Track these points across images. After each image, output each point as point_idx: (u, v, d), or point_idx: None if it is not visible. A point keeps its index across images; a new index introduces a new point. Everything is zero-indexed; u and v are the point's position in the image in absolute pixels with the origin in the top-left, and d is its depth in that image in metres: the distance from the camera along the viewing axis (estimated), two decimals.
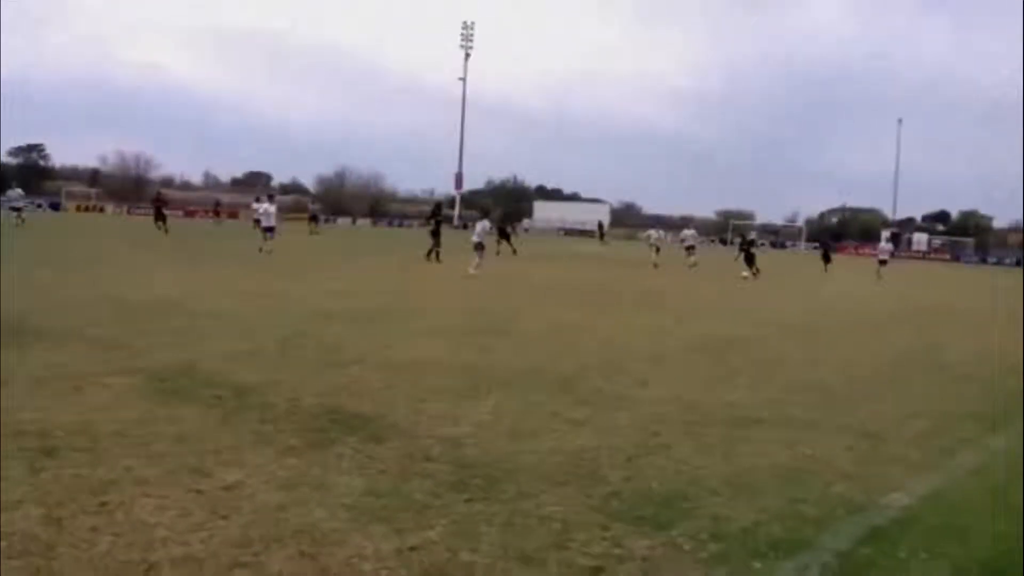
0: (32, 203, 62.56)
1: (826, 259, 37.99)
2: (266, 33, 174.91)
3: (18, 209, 41.23)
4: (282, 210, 52.78)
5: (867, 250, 78.37)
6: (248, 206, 60.47)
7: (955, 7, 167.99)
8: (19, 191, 45.65)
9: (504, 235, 36.25)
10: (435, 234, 28.14)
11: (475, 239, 23.62)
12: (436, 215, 29.83)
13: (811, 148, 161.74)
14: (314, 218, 53.56)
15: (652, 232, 40.27)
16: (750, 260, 30.35)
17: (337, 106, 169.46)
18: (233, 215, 73.00)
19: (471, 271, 22.30)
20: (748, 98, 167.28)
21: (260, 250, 26.52)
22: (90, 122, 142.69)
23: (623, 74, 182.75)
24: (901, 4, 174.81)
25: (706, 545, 4.41)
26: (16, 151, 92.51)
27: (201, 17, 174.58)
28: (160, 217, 40.70)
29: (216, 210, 63.81)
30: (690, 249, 35.12)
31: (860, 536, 4.70)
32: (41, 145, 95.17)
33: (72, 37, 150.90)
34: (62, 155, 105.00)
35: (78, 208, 72.06)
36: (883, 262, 36.42)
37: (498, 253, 30.72)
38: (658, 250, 35.16)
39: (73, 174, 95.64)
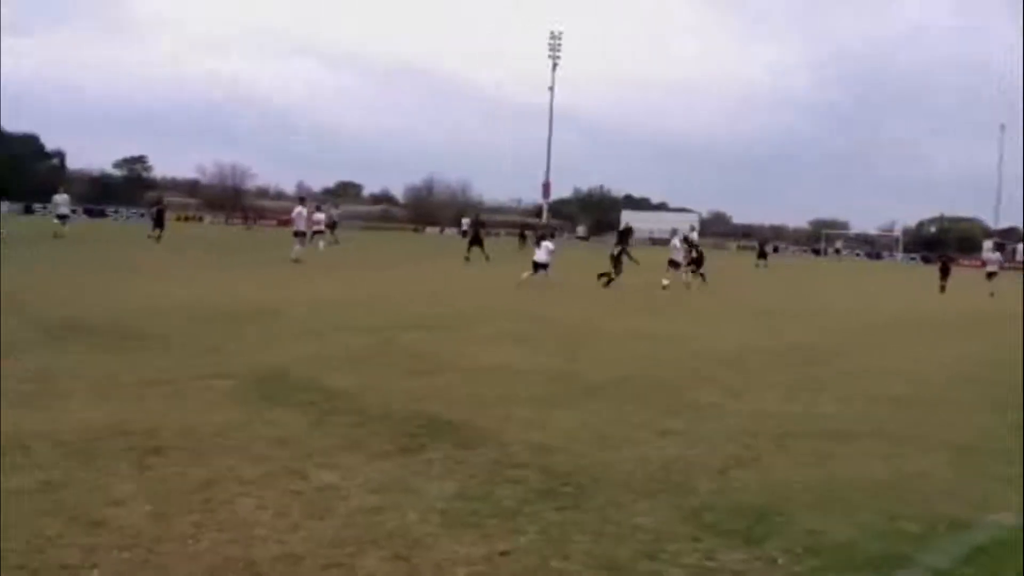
0: (137, 213, 64.86)
1: (944, 274, 31.80)
2: (359, 48, 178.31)
3: (63, 217, 34.71)
4: (370, 219, 53.87)
5: (966, 261, 75.73)
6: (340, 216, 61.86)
7: None
8: (65, 196, 36.11)
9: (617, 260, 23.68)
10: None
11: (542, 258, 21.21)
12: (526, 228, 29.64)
13: (908, 156, 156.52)
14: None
15: (675, 240, 26.15)
16: (697, 263, 26.32)
17: (427, 116, 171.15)
18: (331, 225, 74.73)
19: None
20: (841, 104, 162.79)
21: (295, 261, 24.88)
22: (190, 135, 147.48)
23: (712, 82, 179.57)
24: (1001, 6, 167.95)
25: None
26: (120, 163, 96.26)
27: (299, 33, 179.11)
28: (159, 224, 34.37)
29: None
30: (673, 264, 25.02)
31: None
32: (143, 157, 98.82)
33: (172, 53, 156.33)
34: (163, 166, 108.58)
35: (178, 218, 74.73)
36: (991, 274, 32.49)
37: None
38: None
39: (173, 185, 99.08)
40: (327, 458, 5.56)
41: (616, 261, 23.44)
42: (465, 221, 70.23)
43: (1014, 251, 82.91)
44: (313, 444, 5.88)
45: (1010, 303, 25.27)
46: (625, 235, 24.60)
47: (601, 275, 23.02)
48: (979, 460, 6.56)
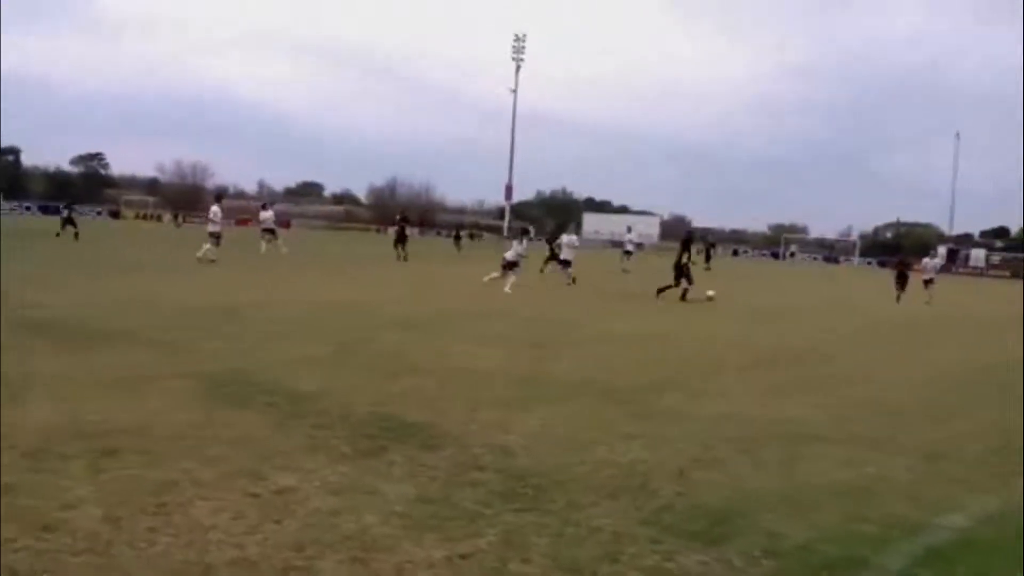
0: (92, 211, 63.95)
1: (901, 283, 29.76)
2: (319, 45, 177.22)
3: None
4: (333, 219, 53.62)
5: (920, 266, 77.04)
6: (299, 216, 61.48)
7: (1013, 19, 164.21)
8: None
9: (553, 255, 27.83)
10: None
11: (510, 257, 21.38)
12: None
13: (865, 162, 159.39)
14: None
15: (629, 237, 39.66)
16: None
17: (390, 118, 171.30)
18: (286, 225, 74.17)
19: (507, 290, 20.07)
20: (802, 111, 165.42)
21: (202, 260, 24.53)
22: (149, 131, 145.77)
23: (674, 86, 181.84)
24: (958, 16, 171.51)
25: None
26: (77, 160, 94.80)
27: (257, 29, 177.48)
28: (69, 222, 36.07)
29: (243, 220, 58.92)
30: (627, 254, 36.85)
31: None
32: (101, 154, 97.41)
33: (133, 49, 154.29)
34: (121, 164, 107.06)
35: (136, 216, 73.70)
36: (928, 282, 29.11)
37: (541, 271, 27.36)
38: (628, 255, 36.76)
39: (132, 182, 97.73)
40: (287, 460, 5.50)
41: (683, 271, 21.70)
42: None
43: (967, 257, 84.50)
44: (273, 446, 5.81)
45: (955, 307, 25.78)
46: (688, 243, 22.86)
47: (663, 289, 21.21)
48: (941, 465, 6.67)
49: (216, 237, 25.17)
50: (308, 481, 5.12)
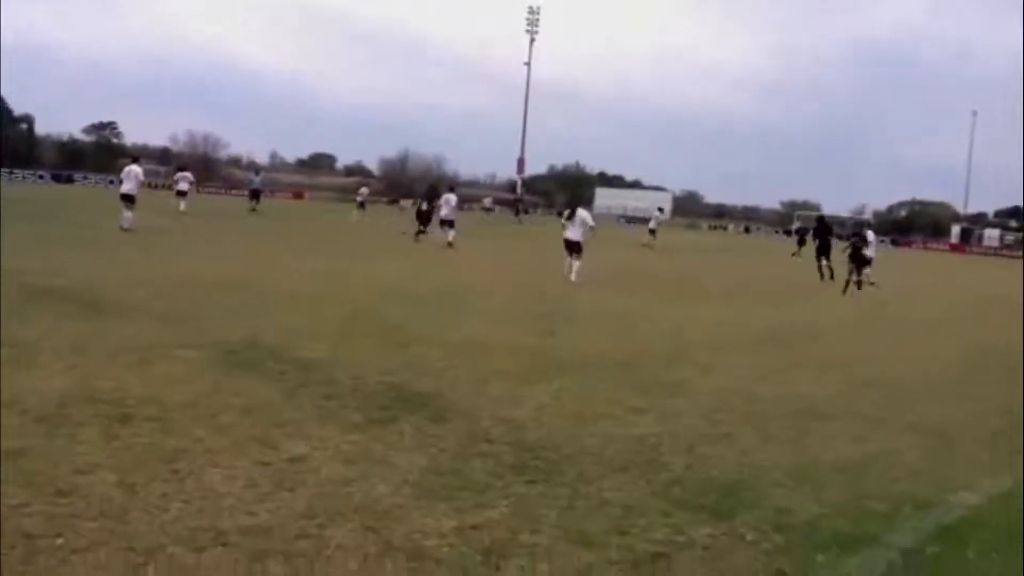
0: (105, 180, 64.07)
1: (858, 267, 21.75)
2: (333, 15, 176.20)
3: None
4: (344, 191, 53.68)
5: (936, 245, 76.53)
6: (311, 187, 61.26)
7: None
8: None
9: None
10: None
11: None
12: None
13: (881, 139, 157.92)
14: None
15: (656, 214, 40.66)
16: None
17: (403, 89, 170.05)
18: (299, 196, 74.32)
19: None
20: (817, 87, 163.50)
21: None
22: (162, 101, 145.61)
23: (689, 60, 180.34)
24: None
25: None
26: (90, 129, 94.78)
27: (277, 1, 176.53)
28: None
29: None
30: (652, 232, 37.48)
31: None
32: (114, 123, 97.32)
33: (145, 17, 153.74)
34: (134, 134, 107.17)
35: (148, 185, 73.69)
36: (865, 263, 21.77)
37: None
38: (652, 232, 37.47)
39: (144, 152, 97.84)
40: (298, 429, 5.53)
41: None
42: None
43: (980, 236, 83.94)
44: (284, 415, 5.84)
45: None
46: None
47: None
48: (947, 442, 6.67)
49: (129, 200, 22.88)
50: (320, 449, 5.15)
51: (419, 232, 27.14)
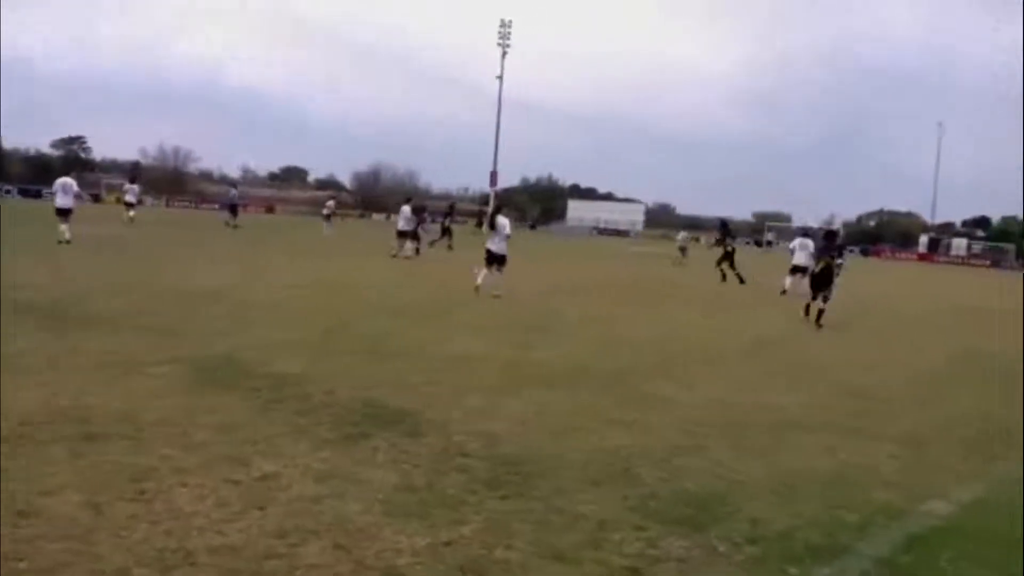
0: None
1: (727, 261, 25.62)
2: (307, 29, 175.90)
3: None
4: (318, 205, 53.67)
5: (904, 255, 77.46)
6: (283, 201, 61.09)
7: (997, 9, 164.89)
8: None
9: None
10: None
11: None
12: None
13: (851, 150, 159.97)
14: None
15: (683, 233, 40.81)
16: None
17: (375, 103, 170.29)
18: (270, 210, 73.87)
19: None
20: (789, 99, 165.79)
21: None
22: (132, 115, 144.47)
23: (662, 73, 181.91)
24: (943, 8, 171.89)
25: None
26: (58, 143, 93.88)
27: (240, 11, 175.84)
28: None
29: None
30: (682, 250, 37.49)
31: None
32: (82, 137, 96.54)
33: (115, 30, 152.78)
34: (103, 148, 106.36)
35: (117, 200, 73.04)
36: (798, 270, 21.31)
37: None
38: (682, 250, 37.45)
39: (113, 166, 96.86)
40: (270, 446, 5.46)
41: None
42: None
43: (948, 246, 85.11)
44: (256, 432, 5.76)
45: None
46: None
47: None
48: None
49: (66, 214, 22.55)
50: (291, 467, 5.08)
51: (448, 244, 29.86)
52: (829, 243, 16.79)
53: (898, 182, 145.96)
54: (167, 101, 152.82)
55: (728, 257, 25.62)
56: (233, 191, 44.20)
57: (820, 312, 15.13)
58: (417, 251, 26.57)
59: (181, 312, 11.14)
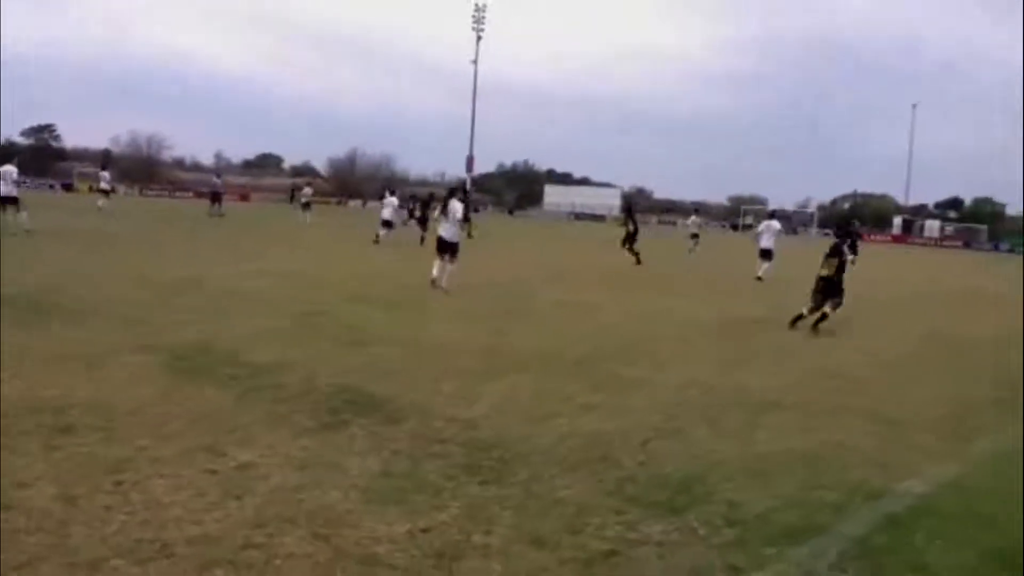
0: (44, 184, 62.69)
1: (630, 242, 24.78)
2: (279, 14, 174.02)
3: None
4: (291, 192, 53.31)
5: (878, 236, 78.06)
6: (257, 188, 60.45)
7: None
8: None
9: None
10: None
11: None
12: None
13: (824, 134, 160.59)
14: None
15: (694, 218, 34.71)
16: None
17: (350, 88, 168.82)
18: (245, 197, 73.23)
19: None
20: (764, 82, 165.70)
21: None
22: (103, 103, 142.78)
23: (637, 57, 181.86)
24: None
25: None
26: (28, 132, 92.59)
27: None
28: None
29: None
30: (693, 237, 32.37)
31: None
32: (52, 126, 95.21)
33: (85, 16, 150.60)
34: (74, 136, 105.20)
35: (90, 189, 72.25)
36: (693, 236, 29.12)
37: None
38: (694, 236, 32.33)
39: (85, 155, 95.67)
40: (247, 435, 5.44)
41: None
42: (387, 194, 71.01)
43: (922, 227, 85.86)
44: (233, 421, 5.74)
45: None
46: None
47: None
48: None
49: (12, 202, 21.92)
50: (269, 456, 5.06)
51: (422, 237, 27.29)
52: (841, 239, 13.27)
53: (873, 165, 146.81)
54: (139, 89, 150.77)
55: (631, 237, 24.98)
56: (217, 180, 43.83)
57: (822, 316, 12.30)
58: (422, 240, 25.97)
59: (159, 302, 11.04)
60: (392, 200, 27.30)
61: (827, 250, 12.89)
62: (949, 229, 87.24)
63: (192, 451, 5.06)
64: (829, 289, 12.39)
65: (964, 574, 4.17)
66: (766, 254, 21.64)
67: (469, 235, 24.00)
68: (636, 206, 28.84)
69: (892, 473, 5.60)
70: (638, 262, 23.66)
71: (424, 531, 4.10)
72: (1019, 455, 6.18)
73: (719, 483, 5.13)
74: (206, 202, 41.17)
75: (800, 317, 12.39)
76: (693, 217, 34.82)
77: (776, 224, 22.61)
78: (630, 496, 4.80)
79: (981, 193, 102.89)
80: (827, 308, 12.31)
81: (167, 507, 4.18)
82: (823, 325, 12.12)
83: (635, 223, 25.46)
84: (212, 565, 3.60)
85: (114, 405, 5.91)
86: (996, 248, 75.32)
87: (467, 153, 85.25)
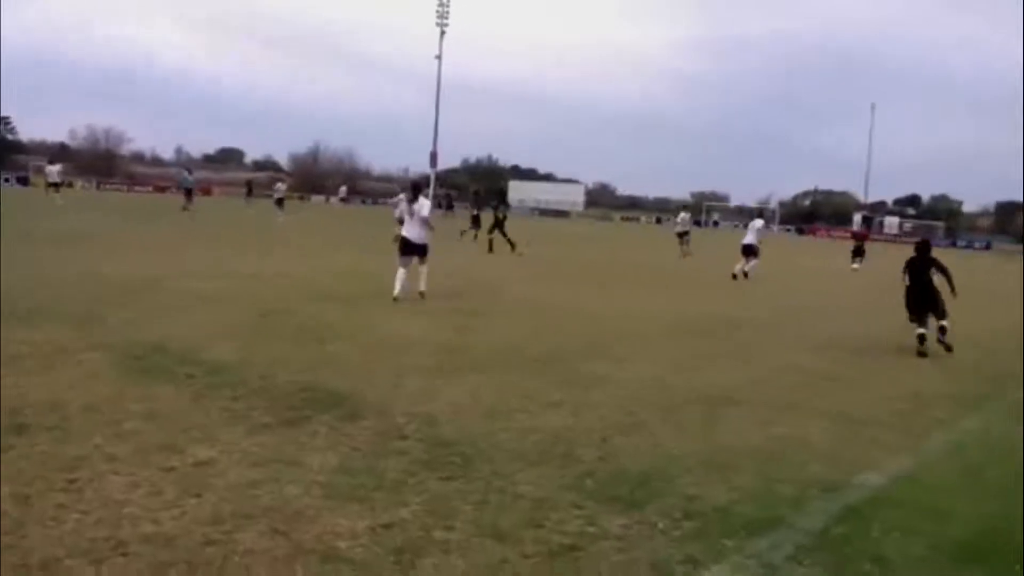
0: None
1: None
2: (241, 8, 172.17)
3: None
4: (257, 186, 52.81)
5: (838, 232, 79.02)
6: (220, 183, 59.90)
7: None
8: None
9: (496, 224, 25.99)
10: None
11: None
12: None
13: (786, 131, 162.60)
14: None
15: (684, 215, 32.24)
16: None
17: (312, 83, 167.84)
18: (207, 192, 72.34)
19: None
20: (728, 80, 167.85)
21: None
22: (61, 96, 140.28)
23: (601, 54, 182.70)
24: None
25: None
26: None
27: None
28: None
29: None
30: (681, 236, 30.72)
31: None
32: (8, 118, 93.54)
33: (43, 8, 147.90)
34: (30, 129, 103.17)
35: (47, 185, 70.96)
36: (683, 235, 30.26)
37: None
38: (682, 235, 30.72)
39: (42, 148, 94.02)
40: (205, 433, 5.38)
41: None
42: (343, 189, 71.01)
43: (881, 224, 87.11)
44: (190, 419, 5.67)
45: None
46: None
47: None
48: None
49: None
50: (227, 453, 5.01)
51: (474, 233, 28.80)
52: (922, 253, 11.56)
53: (832, 162, 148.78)
54: (98, 82, 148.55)
55: (499, 224, 25.95)
56: (187, 175, 43.48)
57: (942, 329, 10.87)
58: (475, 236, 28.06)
59: (120, 301, 10.89)
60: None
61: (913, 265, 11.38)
62: (908, 225, 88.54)
63: (148, 449, 4.99)
64: (923, 299, 11.13)
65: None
66: (749, 250, 22.05)
67: (512, 248, 24.68)
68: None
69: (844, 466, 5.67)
70: (512, 248, 24.70)
71: (385, 527, 4.09)
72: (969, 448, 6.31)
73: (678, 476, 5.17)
74: (166, 196, 40.91)
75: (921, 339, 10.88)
76: (683, 214, 32.11)
77: (759, 222, 23.18)
78: (590, 491, 4.82)
79: (938, 191, 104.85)
80: (936, 322, 10.98)
81: (122, 505, 4.12)
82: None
83: (504, 211, 27.28)
84: (169, 564, 3.55)
85: (69, 404, 5.81)
86: (953, 244, 76.50)
87: (431, 148, 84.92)
